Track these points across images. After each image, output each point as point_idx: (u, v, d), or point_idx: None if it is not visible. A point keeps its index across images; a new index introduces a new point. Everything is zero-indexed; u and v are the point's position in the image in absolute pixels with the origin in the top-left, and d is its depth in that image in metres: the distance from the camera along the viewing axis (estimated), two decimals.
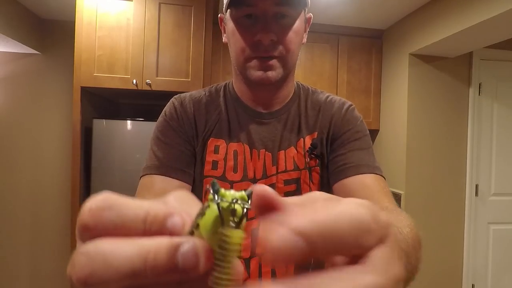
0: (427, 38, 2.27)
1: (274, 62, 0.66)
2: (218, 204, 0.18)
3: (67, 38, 2.49)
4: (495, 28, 1.94)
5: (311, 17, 0.74)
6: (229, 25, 0.68)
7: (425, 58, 2.47)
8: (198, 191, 0.71)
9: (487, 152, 2.59)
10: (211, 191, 0.19)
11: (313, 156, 0.72)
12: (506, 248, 2.61)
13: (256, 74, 0.66)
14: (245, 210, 0.18)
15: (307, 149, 0.72)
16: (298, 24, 0.67)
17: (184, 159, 0.70)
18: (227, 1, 0.65)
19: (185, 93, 0.78)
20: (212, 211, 0.18)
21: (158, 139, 0.72)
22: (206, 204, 0.19)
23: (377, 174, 0.67)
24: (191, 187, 0.70)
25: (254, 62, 0.66)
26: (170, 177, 0.67)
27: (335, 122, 0.73)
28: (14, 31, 2.28)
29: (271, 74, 0.66)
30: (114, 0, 2.06)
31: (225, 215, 0.18)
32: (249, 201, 0.19)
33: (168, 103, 0.76)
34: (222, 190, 0.19)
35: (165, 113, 0.74)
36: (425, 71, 2.48)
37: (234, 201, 0.18)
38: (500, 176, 2.60)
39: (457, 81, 2.53)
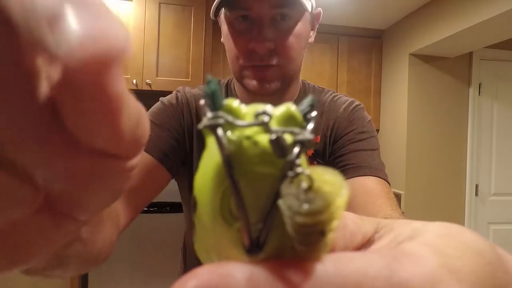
0: (427, 38, 2.27)
1: (272, 71, 0.58)
2: (217, 135, 0.08)
3: None
4: (495, 28, 1.94)
5: (320, 13, 0.67)
6: (224, 27, 0.62)
7: (425, 58, 2.47)
8: (188, 195, 0.66)
9: (487, 152, 2.59)
10: (206, 104, 0.09)
11: (315, 163, 0.67)
12: (506, 248, 2.57)
13: (252, 84, 0.59)
14: (298, 143, 0.08)
15: (309, 155, 0.67)
16: (300, 26, 0.59)
17: (170, 144, 0.62)
18: (218, 1, 0.58)
19: (187, 88, 0.72)
20: (211, 155, 0.09)
21: (149, 121, 0.66)
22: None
23: (380, 177, 0.59)
24: (169, 176, 0.62)
25: (249, 71, 0.59)
26: (148, 153, 0.59)
27: (339, 123, 0.67)
28: None
29: (268, 85, 0.59)
30: (114, 0, 2.06)
31: (245, 159, 0.08)
32: (309, 123, 0.09)
33: (170, 94, 0.70)
34: (232, 103, 0.09)
35: (163, 100, 0.68)
36: (425, 71, 2.48)
37: (260, 122, 0.08)
38: (500, 176, 2.60)
39: (457, 81, 2.53)
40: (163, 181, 0.61)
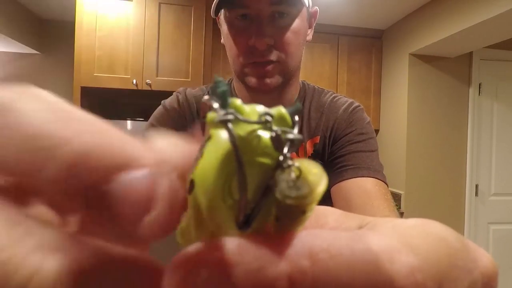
0: (427, 38, 2.27)
1: (272, 67, 0.60)
2: (229, 129, 0.10)
3: (67, 38, 2.49)
4: (495, 28, 1.94)
5: (316, 11, 0.69)
6: (224, 27, 0.64)
7: (425, 58, 2.47)
8: None
9: (487, 152, 2.59)
10: (213, 100, 0.11)
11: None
12: (506, 248, 2.61)
13: (253, 81, 0.61)
14: (290, 141, 0.10)
15: (309, 155, 0.68)
16: (298, 22, 0.62)
17: None
18: (216, 1, 0.60)
19: (188, 89, 0.73)
20: (218, 144, 0.10)
21: (152, 125, 0.67)
22: (207, 136, 0.11)
23: (378, 179, 0.60)
24: None
25: (250, 69, 0.61)
26: None
27: (338, 123, 0.68)
28: (14, 31, 2.28)
29: (269, 81, 0.61)
30: (114, 0, 2.06)
31: (249, 150, 0.10)
32: (295, 125, 0.11)
33: (171, 96, 0.72)
34: (236, 101, 0.11)
35: (165, 104, 0.70)
36: (425, 71, 2.48)
37: (263, 121, 0.10)
38: (500, 176, 2.60)
39: (457, 81, 2.53)
40: None
